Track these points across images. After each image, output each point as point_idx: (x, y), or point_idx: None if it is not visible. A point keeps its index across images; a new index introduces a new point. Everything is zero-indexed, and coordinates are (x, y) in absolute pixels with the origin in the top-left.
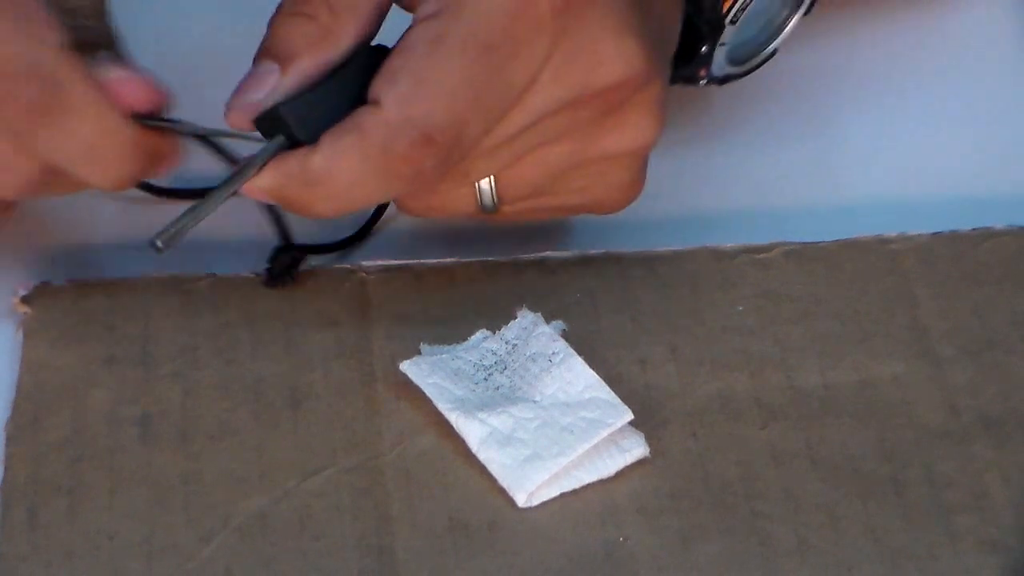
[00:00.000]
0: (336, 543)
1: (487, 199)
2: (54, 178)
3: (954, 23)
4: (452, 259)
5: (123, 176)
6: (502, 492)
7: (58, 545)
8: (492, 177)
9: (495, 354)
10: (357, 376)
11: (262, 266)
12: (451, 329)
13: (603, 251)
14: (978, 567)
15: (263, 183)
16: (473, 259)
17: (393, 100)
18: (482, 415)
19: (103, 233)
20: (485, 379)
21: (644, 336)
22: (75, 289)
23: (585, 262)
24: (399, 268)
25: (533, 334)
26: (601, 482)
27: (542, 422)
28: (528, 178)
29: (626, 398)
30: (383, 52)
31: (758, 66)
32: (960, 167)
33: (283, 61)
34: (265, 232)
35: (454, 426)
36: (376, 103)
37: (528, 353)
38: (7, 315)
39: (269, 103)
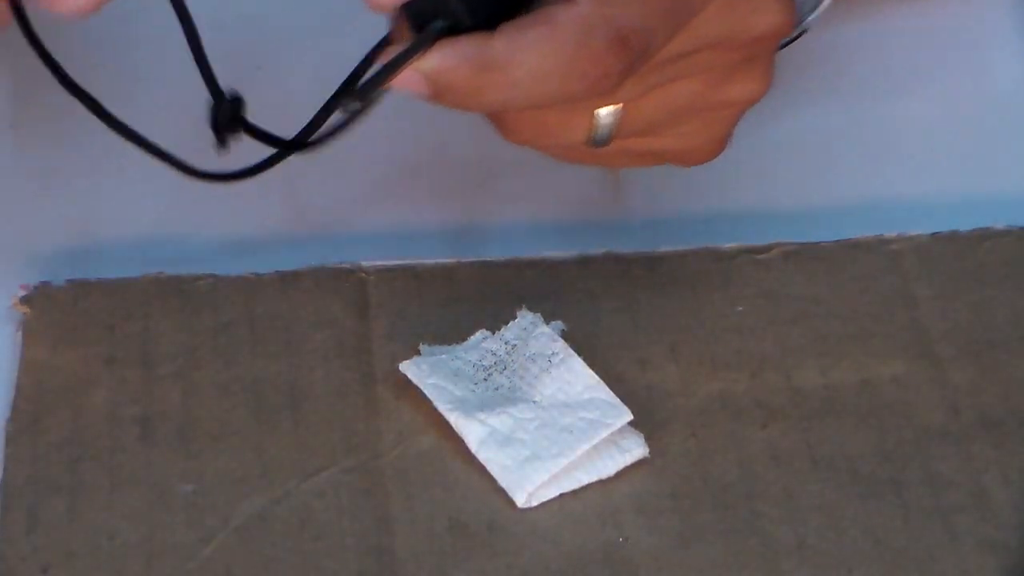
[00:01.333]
0: (336, 543)
1: (605, 130)
2: None
3: (954, 23)
4: (452, 259)
5: None
6: (502, 492)
7: (58, 545)
8: (614, 107)
9: (495, 354)
10: (357, 376)
11: (262, 266)
12: (451, 329)
13: (603, 251)
14: (978, 567)
15: (430, 65)
16: (473, 259)
17: None
18: (482, 415)
19: (103, 233)
20: (485, 379)
21: (644, 336)
22: (75, 289)
23: (585, 262)
24: (399, 268)
25: (533, 334)
26: (601, 482)
27: (542, 422)
28: (649, 113)
29: (626, 398)
30: None
31: (785, 45)
32: (960, 167)
33: None
34: (266, 232)
35: (454, 426)
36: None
37: (528, 353)
38: (7, 315)
39: None
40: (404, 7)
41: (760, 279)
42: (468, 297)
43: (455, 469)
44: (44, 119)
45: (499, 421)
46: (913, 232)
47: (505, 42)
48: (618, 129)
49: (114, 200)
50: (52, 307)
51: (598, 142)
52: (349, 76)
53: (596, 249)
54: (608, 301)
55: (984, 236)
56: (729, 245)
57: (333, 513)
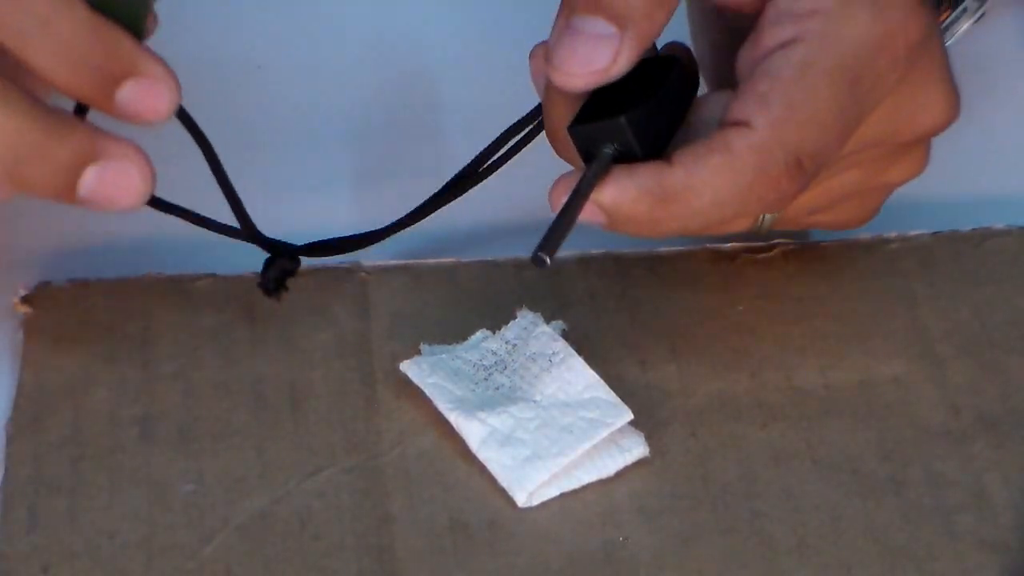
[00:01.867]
0: (336, 543)
1: (767, 225)
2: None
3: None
4: (452, 259)
5: (81, 63)
6: (502, 492)
7: (58, 545)
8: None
9: (495, 354)
10: (357, 376)
11: (262, 266)
12: (451, 329)
13: (603, 251)
14: (978, 567)
15: (608, 197)
16: (473, 259)
17: (766, 123)
18: (482, 415)
19: (103, 233)
20: (485, 379)
21: (644, 336)
22: (75, 289)
23: (585, 262)
24: (399, 268)
25: (533, 334)
26: (601, 482)
27: (542, 422)
28: (815, 200)
29: (626, 398)
30: (667, 63)
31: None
32: (960, 167)
33: (620, 23)
34: (265, 231)
35: (454, 426)
36: (746, 125)
37: (528, 353)
38: (7, 315)
39: (612, 73)
40: (571, 130)
41: (760, 279)
42: (468, 297)
43: (455, 469)
44: None
45: (499, 421)
46: (913, 232)
47: (683, 172)
48: (778, 220)
49: None
50: (52, 307)
51: (760, 231)
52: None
53: (596, 249)
54: (608, 301)
55: (984, 236)
56: (729, 245)
57: (333, 513)
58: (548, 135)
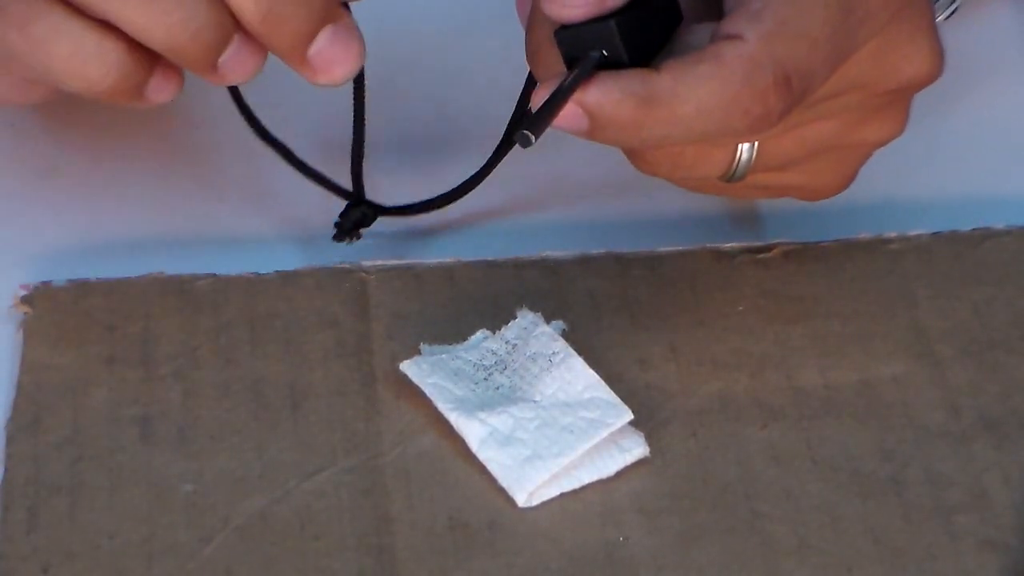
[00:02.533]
0: (336, 543)
1: (742, 166)
2: None
3: (954, 23)
4: (452, 259)
5: (189, 37)
6: (502, 492)
7: (58, 545)
8: (754, 143)
9: (495, 354)
10: (357, 376)
11: (263, 266)
12: (451, 329)
13: (603, 251)
14: (978, 567)
15: (592, 98)
16: (473, 259)
17: (757, 35)
18: (482, 415)
19: (103, 233)
20: (485, 379)
21: (644, 336)
22: (75, 289)
23: (585, 262)
24: (399, 268)
25: (533, 334)
26: (601, 482)
27: (542, 422)
28: (786, 149)
29: (626, 398)
30: None
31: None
32: (960, 167)
33: None
34: (267, 231)
35: (454, 426)
36: (737, 37)
37: (528, 353)
38: (7, 315)
39: (608, 5)
40: (557, 34)
41: (760, 279)
42: (468, 297)
43: (455, 469)
44: (44, 119)
45: (499, 420)
46: (913, 232)
47: (671, 77)
48: (754, 165)
49: (114, 200)
50: (52, 307)
51: (734, 178)
52: (514, 115)
53: (596, 249)
54: (608, 301)
55: (984, 236)
56: (729, 245)
57: (333, 513)
58: (528, 56)
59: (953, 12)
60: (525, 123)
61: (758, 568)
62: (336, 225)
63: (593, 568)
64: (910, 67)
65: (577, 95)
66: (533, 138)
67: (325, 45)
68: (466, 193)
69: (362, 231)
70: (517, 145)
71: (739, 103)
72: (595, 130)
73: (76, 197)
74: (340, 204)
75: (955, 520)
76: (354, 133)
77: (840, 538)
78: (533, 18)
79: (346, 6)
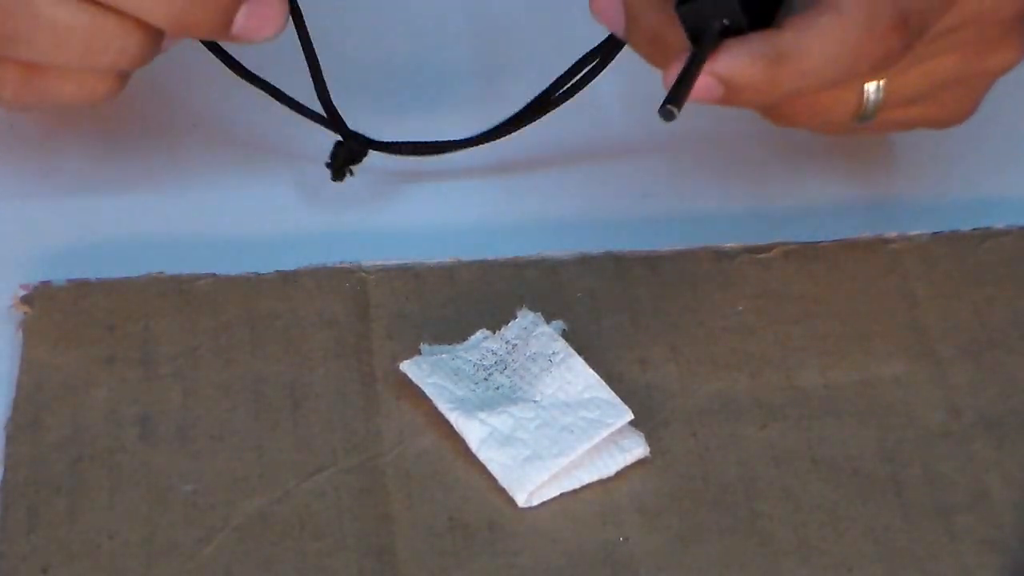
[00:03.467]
0: (336, 543)
1: (872, 105)
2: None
3: None
4: (452, 259)
5: (195, 5)
6: (502, 492)
7: (58, 545)
8: (881, 82)
9: (495, 354)
10: (357, 376)
11: (263, 266)
12: (451, 329)
13: (603, 250)
14: (978, 567)
15: (724, 67)
16: (473, 259)
17: None
18: (482, 415)
19: (103, 233)
20: (485, 379)
21: (644, 336)
22: (75, 289)
23: (585, 262)
24: (399, 268)
25: (533, 334)
26: (601, 482)
27: (542, 422)
28: (914, 85)
29: (626, 398)
30: None
31: None
32: (960, 167)
33: None
34: (267, 231)
35: (454, 426)
36: None
37: (528, 353)
38: (7, 315)
39: None
40: (679, 9)
41: (761, 279)
42: (468, 297)
43: (456, 469)
44: (44, 119)
45: (499, 420)
46: (913, 232)
47: (795, 34)
48: (884, 102)
49: (114, 200)
50: (52, 307)
51: (866, 117)
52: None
53: (596, 249)
54: (608, 301)
55: (984, 236)
56: (730, 245)
57: (333, 513)
58: (630, 28)
59: None
60: (667, 98)
61: (758, 568)
62: (328, 166)
63: (593, 568)
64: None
65: (708, 67)
66: (676, 111)
67: (243, 21)
68: (474, 145)
69: (354, 168)
70: (660, 118)
71: (862, 48)
72: (731, 95)
73: (76, 197)
74: (340, 202)
75: (955, 520)
76: (310, 68)
77: (840, 538)
78: (637, 7)
79: None
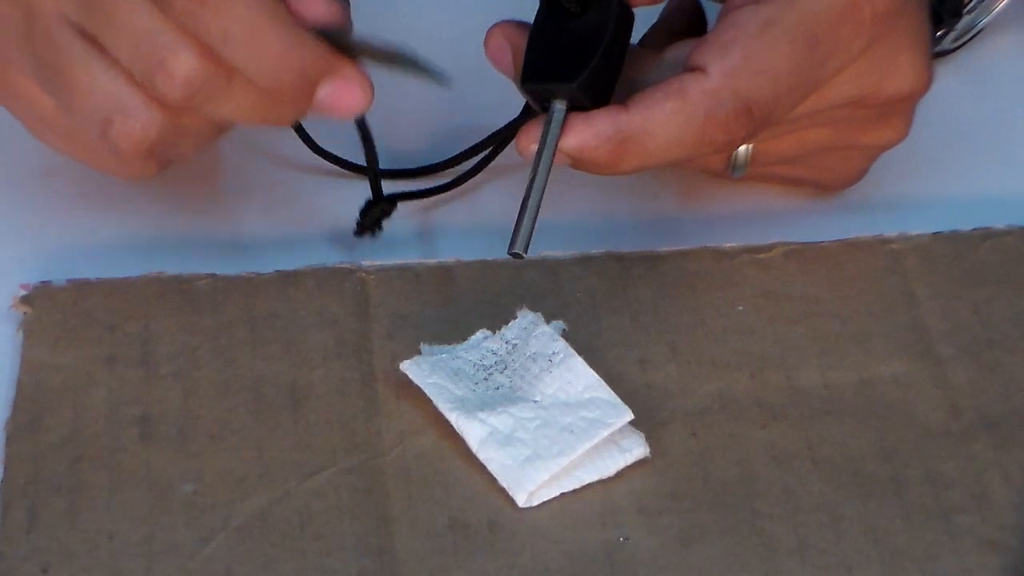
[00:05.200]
0: (336, 543)
1: (740, 164)
2: (216, 81)
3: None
4: (452, 259)
5: (289, 71)
6: (502, 492)
7: (58, 545)
8: (751, 145)
9: (495, 354)
10: (357, 376)
11: (262, 265)
12: (451, 329)
13: (603, 251)
14: (978, 567)
15: (570, 144)
16: (473, 259)
17: (720, 70)
18: (482, 415)
19: (103, 233)
20: (485, 379)
21: (644, 336)
22: (75, 289)
23: (585, 262)
24: (399, 268)
25: (533, 334)
26: (601, 482)
27: (542, 422)
28: (783, 151)
29: (626, 398)
30: (624, 13)
31: (966, 42)
32: (960, 167)
33: None
34: (266, 231)
35: (454, 426)
36: (701, 71)
37: (528, 353)
38: (7, 315)
39: None
40: (524, 87)
41: (760, 279)
42: (468, 297)
43: (456, 468)
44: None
45: (500, 420)
46: (913, 232)
47: (640, 116)
48: (753, 161)
49: (114, 200)
50: (52, 307)
51: (737, 169)
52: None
53: (596, 249)
54: (608, 300)
55: (984, 236)
56: (729, 245)
57: (333, 513)
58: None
59: (971, 39)
60: (511, 242)
61: (758, 568)
62: (358, 223)
63: (593, 568)
64: (894, 83)
65: (560, 141)
66: (523, 255)
67: (324, 98)
68: (478, 172)
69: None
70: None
71: (704, 133)
72: (578, 166)
73: (76, 197)
74: (339, 202)
75: (955, 520)
76: (364, 141)
77: (840, 538)
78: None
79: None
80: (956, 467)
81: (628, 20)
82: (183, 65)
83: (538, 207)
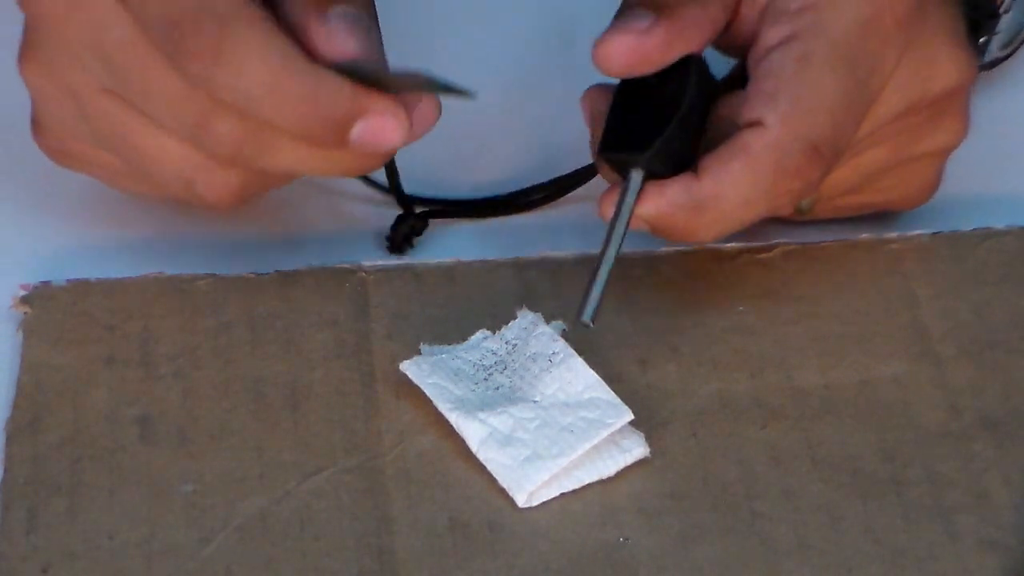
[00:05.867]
0: (336, 543)
1: (807, 204)
2: (259, 136)
3: None
4: (452, 259)
5: (316, 119)
6: (502, 492)
7: (58, 545)
8: None
9: (495, 354)
10: (357, 376)
11: (262, 266)
12: (451, 329)
13: None
14: (978, 567)
15: (646, 213)
16: (473, 259)
17: (777, 119)
18: (482, 415)
19: (103, 233)
20: (485, 379)
21: (644, 336)
22: (75, 289)
23: (585, 262)
24: (399, 268)
25: (533, 334)
26: (601, 482)
27: (542, 422)
28: (846, 179)
29: (626, 398)
30: (684, 65)
31: (1018, 48)
32: (960, 167)
33: (657, 10)
34: (265, 232)
35: (454, 426)
36: (759, 124)
37: (528, 353)
38: (7, 315)
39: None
40: (602, 155)
41: (761, 279)
42: (468, 297)
43: (456, 469)
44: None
45: (499, 421)
46: (913, 232)
47: (711, 181)
48: (821, 197)
49: (114, 200)
50: (52, 307)
51: (803, 210)
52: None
53: (596, 249)
54: (608, 301)
55: (984, 236)
56: (730, 245)
57: (333, 513)
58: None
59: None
60: (580, 310)
61: (758, 568)
62: (388, 239)
63: (593, 568)
64: (939, 80)
65: (636, 207)
66: (591, 324)
67: (358, 137)
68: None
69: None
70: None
71: (777, 187)
72: (657, 233)
73: (76, 197)
74: (338, 204)
75: (955, 520)
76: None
77: (840, 538)
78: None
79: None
80: (956, 467)
81: (708, 83)
82: (223, 125)
83: (608, 275)
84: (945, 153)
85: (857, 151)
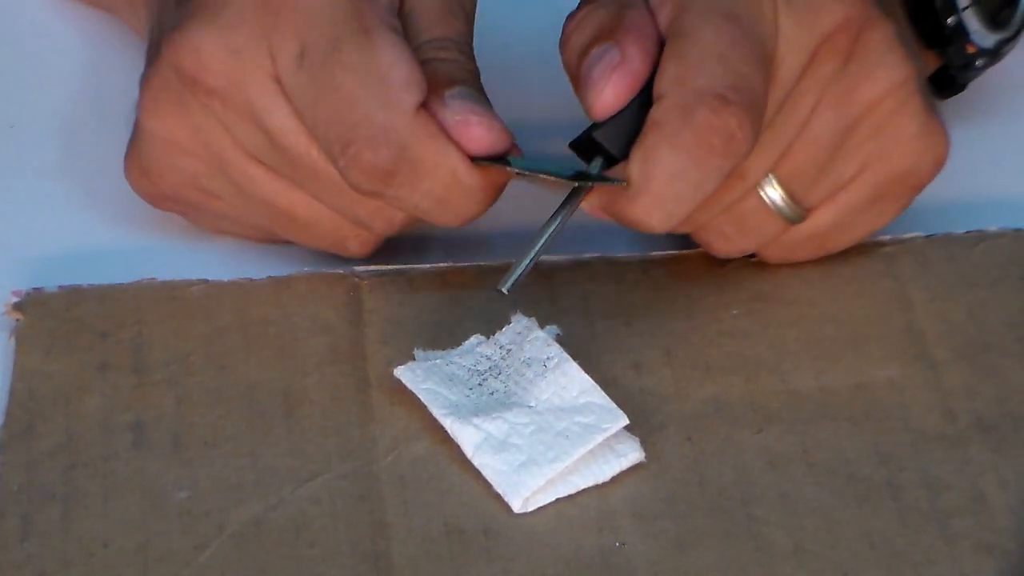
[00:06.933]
0: (331, 550)
1: (782, 204)
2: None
3: None
4: (446, 264)
5: (470, 215)
6: (497, 498)
7: (52, 553)
8: (773, 179)
9: (489, 359)
10: (351, 382)
11: (255, 271)
12: (445, 334)
13: (597, 255)
14: (975, 570)
15: (591, 204)
16: (467, 263)
17: (670, 83)
18: (477, 420)
19: (96, 239)
20: (479, 384)
21: (639, 340)
22: (68, 296)
23: (579, 266)
24: (392, 273)
25: (527, 339)
26: (597, 487)
27: (537, 427)
28: (805, 160)
29: (621, 402)
30: None
31: (975, 76)
32: (954, 170)
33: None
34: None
35: (449, 432)
36: (660, 97)
37: (522, 358)
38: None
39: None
40: (571, 145)
41: (754, 283)
42: (462, 302)
43: (450, 474)
44: (43, 120)
45: (494, 426)
46: (908, 235)
47: (634, 164)
48: (793, 195)
49: (106, 206)
50: (45, 313)
51: (791, 216)
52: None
53: (590, 253)
54: (602, 305)
55: (979, 238)
56: None
57: (328, 519)
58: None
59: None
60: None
61: (755, 572)
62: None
63: (589, 573)
64: (824, 13)
65: (586, 201)
66: (506, 293)
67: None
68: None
69: None
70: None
71: (698, 151)
72: (620, 223)
73: (68, 203)
74: None
75: (951, 524)
76: None
77: (836, 542)
78: None
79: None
80: (952, 470)
81: None
82: (382, 209)
83: (537, 252)
84: (896, 93)
85: (794, 126)
